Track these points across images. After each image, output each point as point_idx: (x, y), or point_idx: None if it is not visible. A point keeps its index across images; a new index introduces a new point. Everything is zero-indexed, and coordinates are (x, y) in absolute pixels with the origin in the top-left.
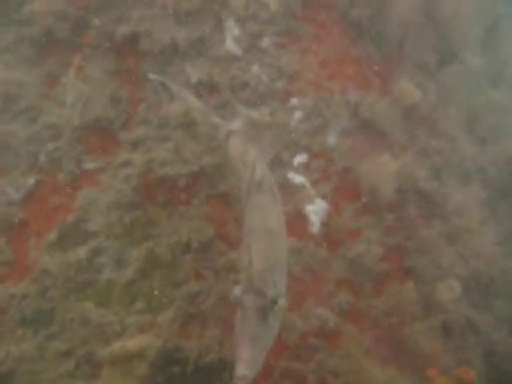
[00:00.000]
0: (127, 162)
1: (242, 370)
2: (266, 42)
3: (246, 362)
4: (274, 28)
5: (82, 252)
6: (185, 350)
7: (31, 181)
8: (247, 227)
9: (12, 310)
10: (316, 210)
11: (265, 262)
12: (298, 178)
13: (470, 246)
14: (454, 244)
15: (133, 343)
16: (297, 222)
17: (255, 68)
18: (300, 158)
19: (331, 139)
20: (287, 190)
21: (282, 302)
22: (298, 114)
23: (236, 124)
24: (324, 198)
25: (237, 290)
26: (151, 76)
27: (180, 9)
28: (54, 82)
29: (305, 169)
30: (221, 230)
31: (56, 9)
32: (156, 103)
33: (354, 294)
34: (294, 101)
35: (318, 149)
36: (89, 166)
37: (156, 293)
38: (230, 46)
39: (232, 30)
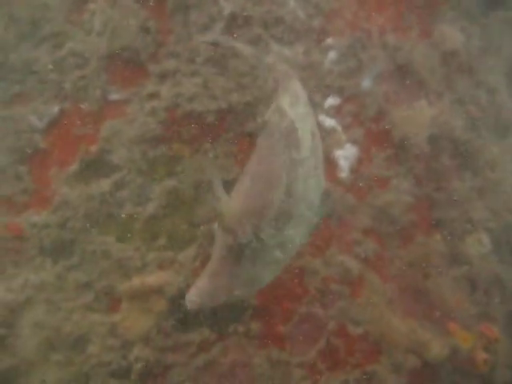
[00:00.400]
0: (154, 94)
1: (191, 295)
2: None
3: (198, 291)
4: None
5: (104, 185)
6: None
7: (55, 109)
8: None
9: (32, 239)
10: (346, 155)
11: (246, 205)
12: (328, 121)
13: (502, 200)
14: (485, 198)
15: (153, 279)
16: (325, 166)
17: (291, 3)
18: (332, 101)
19: (366, 83)
20: None
21: (277, 253)
22: (332, 55)
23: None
24: (354, 143)
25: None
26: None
27: None
28: (81, 8)
29: (336, 112)
30: None
31: None
32: (186, 36)
33: (379, 243)
34: (329, 40)
35: (351, 92)
36: (114, 96)
37: (177, 230)
38: None
39: None
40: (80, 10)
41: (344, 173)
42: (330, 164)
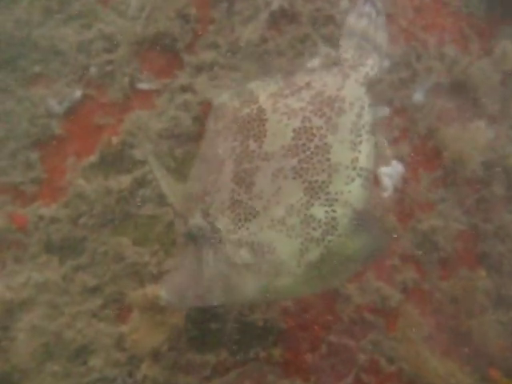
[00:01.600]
0: (188, 86)
1: (162, 291)
2: None
3: (167, 286)
4: None
5: (125, 180)
6: (225, 305)
7: (77, 94)
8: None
9: (38, 233)
10: (391, 172)
11: (189, 187)
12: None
13: None
14: None
15: None
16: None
17: (344, 3)
18: (380, 112)
19: (418, 96)
20: None
21: (243, 254)
22: (384, 62)
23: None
24: (401, 160)
25: None
26: None
27: None
28: None
29: (384, 124)
30: None
31: None
32: (228, 26)
33: (419, 272)
34: None
35: (401, 104)
36: (143, 85)
37: None
38: None
39: None
40: None
41: (387, 192)
42: (373, 181)
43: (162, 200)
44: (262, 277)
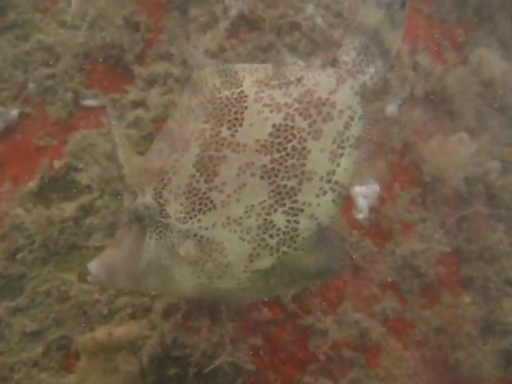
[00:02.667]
0: (139, 102)
1: (92, 265)
2: None
3: (99, 261)
4: None
5: (69, 208)
6: (186, 347)
7: (14, 112)
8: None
9: None
10: (366, 192)
11: (147, 161)
12: None
13: None
14: None
15: (122, 331)
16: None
17: (310, 8)
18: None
19: (392, 108)
20: None
21: (189, 246)
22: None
23: None
24: (376, 178)
25: None
26: None
27: None
28: None
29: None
30: None
31: None
32: (182, 35)
33: (400, 301)
34: None
35: (374, 118)
36: (89, 102)
37: None
38: None
39: None
40: None
41: (362, 214)
42: (347, 202)
43: (111, 229)
44: (203, 275)
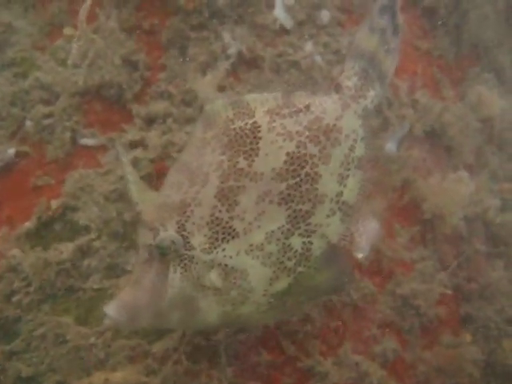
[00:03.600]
0: (138, 141)
1: (110, 308)
2: (325, 16)
3: (118, 303)
4: (336, 1)
5: (66, 250)
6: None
7: (10, 151)
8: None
9: None
10: (366, 230)
11: (165, 196)
12: None
13: None
14: None
15: (119, 377)
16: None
17: (308, 46)
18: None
19: (391, 146)
20: None
21: (213, 276)
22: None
23: None
24: (376, 216)
25: None
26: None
27: None
28: (54, 32)
29: None
30: None
31: None
32: (181, 74)
33: (400, 341)
34: None
35: (373, 156)
36: (87, 141)
37: None
38: (280, 14)
39: None
40: (53, 34)
41: (362, 252)
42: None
43: (109, 271)
44: (227, 303)
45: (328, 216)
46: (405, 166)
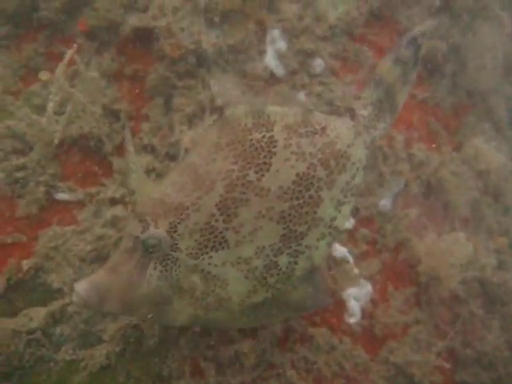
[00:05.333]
0: (118, 198)
1: (79, 286)
2: (318, 65)
3: (89, 284)
4: (330, 48)
5: (37, 316)
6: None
7: None
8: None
9: None
10: (358, 294)
11: (166, 194)
12: (339, 250)
13: None
14: None
15: None
16: (331, 307)
17: (301, 97)
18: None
19: (385, 203)
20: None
21: (194, 280)
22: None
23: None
24: (369, 279)
25: None
26: None
27: (215, 6)
28: (29, 76)
29: (349, 237)
30: None
31: None
32: (166, 125)
33: None
34: None
35: (367, 213)
36: (63, 196)
37: None
38: (271, 62)
39: (276, 42)
40: (28, 78)
41: (354, 317)
42: (338, 305)
43: (84, 340)
44: (201, 307)
45: (318, 239)
46: (399, 226)
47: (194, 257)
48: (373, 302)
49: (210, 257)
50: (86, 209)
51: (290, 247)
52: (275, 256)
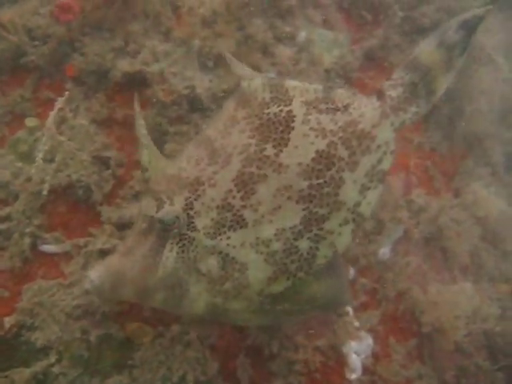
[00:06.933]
0: (107, 250)
1: (93, 272)
2: None
3: (102, 269)
4: None
5: (20, 378)
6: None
7: None
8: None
9: None
10: (358, 348)
11: (181, 170)
12: None
13: None
14: None
15: None
16: (331, 363)
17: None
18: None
19: (385, 252)
20: (322, 317)
21: (212, 263)
22: None
23: None
24: (370, 331)
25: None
26: None
27: (209, 50)
28: (15, 122)
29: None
30: (228, 365)
31: (34, 23)
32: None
33: None
34: None
35: (367, 263)
36: (49, 247)
37: None
38: None
39: None
40: (14, 124)
41: (355, 373)
42: (338, 360)
43: None
44: (219, 294)
45: (341, 225)
46: (400, 276)
47: (211, 237)
48: (374, 355)
49: (228, 237)
50: (73, 261)
51: (311, 231)
52: (295, 239)
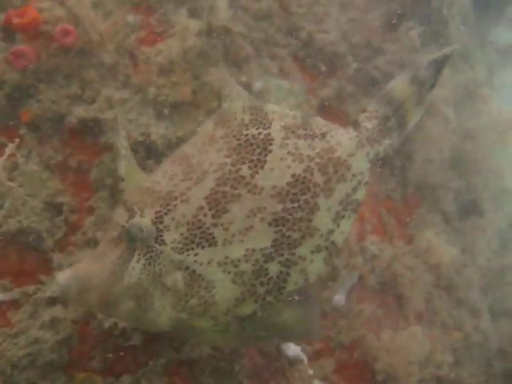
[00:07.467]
0: (57, 298)
1: (61, 275)
2: None
3: (71, 272)
4: None
5: None
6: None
7: None
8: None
9: None
10: None
11: (154, 183)
12: (292, 349)
13: None
14: None
15: None
16: None
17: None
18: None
19: (339, 297)
20: (276, 364)
21: (177, 277)
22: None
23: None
24: (324, 379)
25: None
26: None
27: (165, 98)
28: None
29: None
30: None
31: None
32: (111, 218)
33: None
34: None
35: (321, 310)
36: None
37: None
38: None
39: None
40: None
41: None
42: None
43: None
44: (184, 310)
45: (313, 252)
46: (354, 323)
47: (178, 251)
48: None
49: (196, 254)
50: (21, 309)
51: (283, 255)
52: (265, 262)
